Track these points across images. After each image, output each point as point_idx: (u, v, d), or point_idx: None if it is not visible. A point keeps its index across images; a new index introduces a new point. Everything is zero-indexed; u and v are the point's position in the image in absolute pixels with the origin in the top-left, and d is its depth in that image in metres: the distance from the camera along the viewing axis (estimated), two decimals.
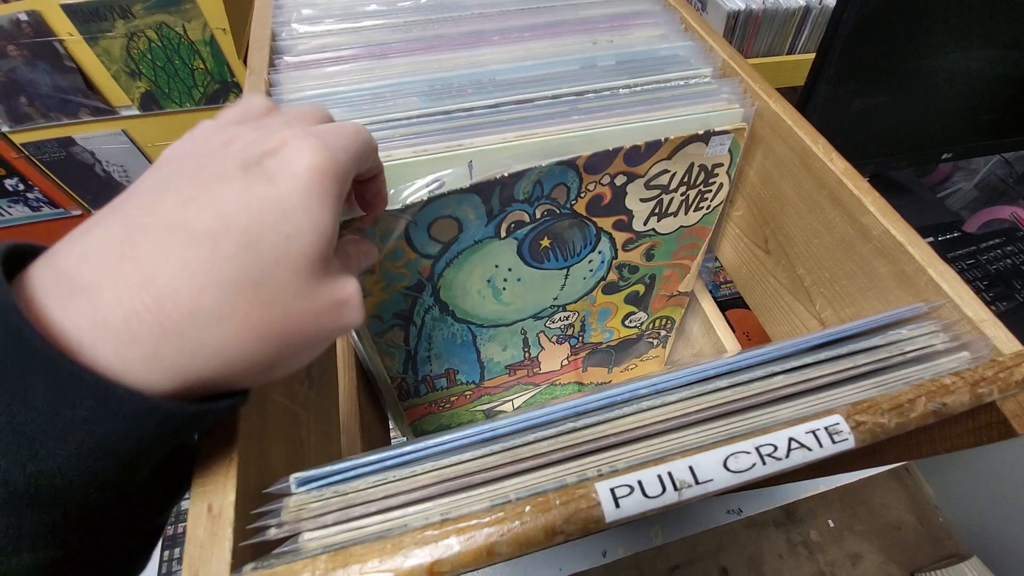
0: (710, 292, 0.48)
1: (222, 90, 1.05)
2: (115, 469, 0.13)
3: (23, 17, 0.92)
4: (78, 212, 1.23)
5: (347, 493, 0.16)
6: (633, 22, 0.38)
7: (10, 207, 1.23)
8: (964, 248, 0.73)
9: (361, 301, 0.18)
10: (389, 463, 0.16)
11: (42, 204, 1.23)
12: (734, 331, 0.46)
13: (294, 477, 0.16)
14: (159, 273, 0.14)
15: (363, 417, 0.35)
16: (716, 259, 0.44)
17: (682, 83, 0.34)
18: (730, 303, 0.72)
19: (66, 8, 0.91)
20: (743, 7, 0.76)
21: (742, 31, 0.79)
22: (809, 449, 0.15)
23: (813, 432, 0.15)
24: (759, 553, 0.64)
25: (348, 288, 0.18)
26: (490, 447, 0.17)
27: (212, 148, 0.17)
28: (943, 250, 0.73)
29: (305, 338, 0.16)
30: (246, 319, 0.15)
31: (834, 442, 0.15)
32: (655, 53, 0.35)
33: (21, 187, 1.18)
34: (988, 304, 0.66)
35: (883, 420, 0.16)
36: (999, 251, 0.73)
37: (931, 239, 0.75)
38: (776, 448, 0.15)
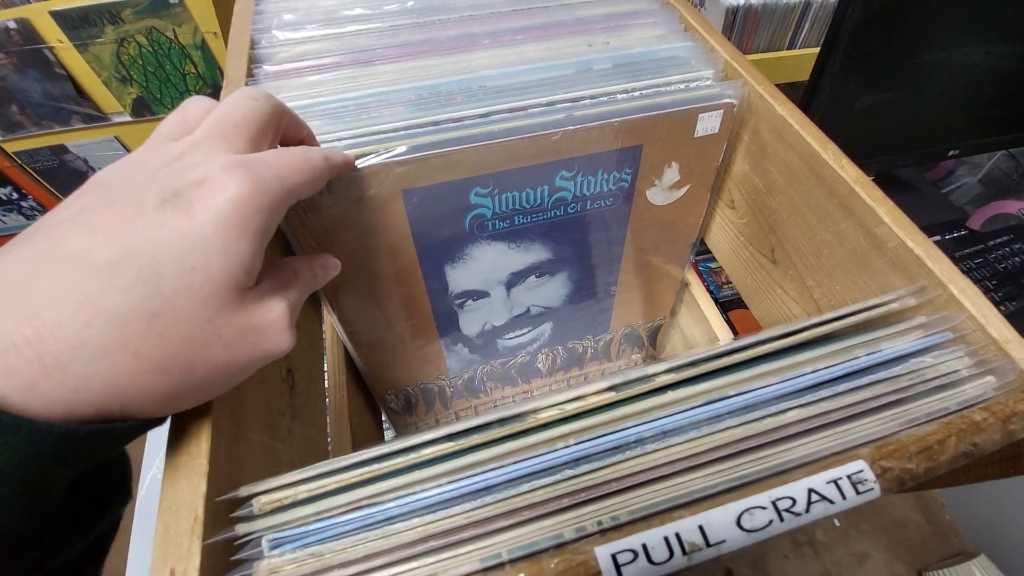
0: (711, 293, 0.46)
1: (215, 94, 1.03)
2: (15, 493, 0.13)
3: (12, 25, 0.90)
4: None
5: (324, 555, 0.14)
6: (630, 22, 0.36)
7: (4, 216, 1.22)
8: (971, 247, 0.71)
9: (288, 326, 0.18)
10: (371, 520, 0.15)
11: (36, 212, 1.22)
12: (736, 334, 0.45)
13: (267, 539, 0.15)
14: (47, 306, 0.14)
15: (356, 442, 0.34)
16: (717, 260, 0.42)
17: (683, 86, 0.32)
18: (732, 304, 0.70)
19: (55, 15, 0.89)
20: (742, 2, 0.74)
21: (741, 26, 0.77)
22: (831, 502, 0.14)
23: (835, 482, 0.14)
24: (764, 553, 0.63)
25: (271, 315, 0.18)
26: (481, 499, 0.15)
27: (138, 177, 0.16)
28: (950, 249, 0.71)
29: (215, 368, 0.16)
30: (138, 352, 0.14)
31: (858, 492, 0.14)
32: (654, 55, 0.34)
33: (15, 196, 1.17)
34: (997, 304, 0.65)
35: (911, 465, 0.14)
36: (1007, 249, 0.71)
37: (938, 237, 0.73)
38: (795, 502, 0.14)
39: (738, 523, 0.13)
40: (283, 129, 0.21)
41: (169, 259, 0.15)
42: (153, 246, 0.15)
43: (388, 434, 0.49)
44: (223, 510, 0.16)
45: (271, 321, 0.17)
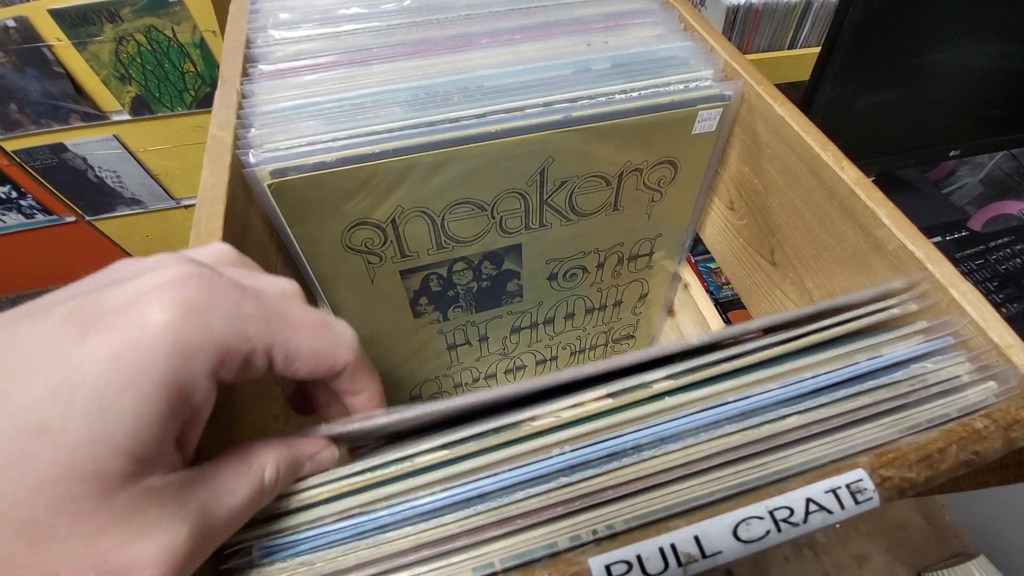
0: (711, 293, 0.46)
1: (213, 93, 1.03)
2: None
3: (10, 23, 0.90)
4: (72, 219, 1.22)
5: (315, 564, 0.14)
6: (629, 21, 0.36)
7: (4, 214, 1.22)
8: (972, 248, 0.71)
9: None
10: (362, 528, 0.15)
11: (36, 211, 1.22)
12: None
13: (257, 548, 0.14)
14: None
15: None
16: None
17: (682, 87, 0.32)
18: (731, 304, 0.70)
19: (54, 13, 0.89)
20: (743, 1, 0.73)
21: (742, 26, 0.77)
22: (829, 512, 0.13)
23: (833, 491, 0.14)
24: (764, 555, 0.63)
25: (133, 550, 0.11)
26: (475, 507, 0.15)
27: (91, 282, 0.12)
28: (951, 250, 0.71)
29: None
30: None
31: (857, 502, 0.14)
32: (653, 55, 0.33)
33: (14, 194, 1.17)
34: (998, 306, 0.64)
35: (911, 474, 0.14)
36: (1008, 250, 0.71)
37: (938, 238, 0.73)
38: (792, 512, 0.13)
39: (734, 534, 0.13)
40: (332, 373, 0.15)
41: (13, 407, 0.10)
42: (8, 380, 0.10)
43: None
44: None
45: (130, 563, 0.11)
